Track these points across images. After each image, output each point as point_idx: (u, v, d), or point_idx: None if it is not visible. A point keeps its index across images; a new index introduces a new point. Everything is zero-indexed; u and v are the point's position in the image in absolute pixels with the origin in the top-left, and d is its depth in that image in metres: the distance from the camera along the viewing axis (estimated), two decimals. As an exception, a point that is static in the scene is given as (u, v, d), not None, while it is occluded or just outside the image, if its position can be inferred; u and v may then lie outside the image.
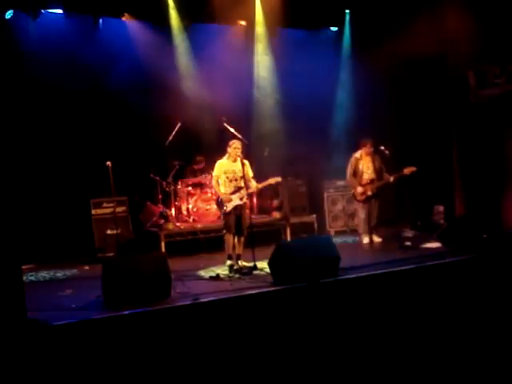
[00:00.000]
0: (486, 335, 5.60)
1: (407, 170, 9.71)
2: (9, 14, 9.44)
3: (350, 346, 5.73)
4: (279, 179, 8.71)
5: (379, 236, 10.21)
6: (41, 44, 9.69)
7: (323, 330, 6.23)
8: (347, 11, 11.97)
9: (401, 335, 5.85)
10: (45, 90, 9.95)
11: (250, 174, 8.53)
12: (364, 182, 10.12)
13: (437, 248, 9.22)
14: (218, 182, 8.53)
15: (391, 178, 9.84)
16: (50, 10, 9.92)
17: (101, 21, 10.40)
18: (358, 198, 10.21)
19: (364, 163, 10.16)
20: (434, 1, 10.30)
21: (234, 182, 8.47)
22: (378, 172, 10.09)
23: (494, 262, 7.99)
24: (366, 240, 10.19)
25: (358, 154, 10.21)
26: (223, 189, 8.46)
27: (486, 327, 5.79)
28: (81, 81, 10.14)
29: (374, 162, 10.12)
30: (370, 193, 10.08)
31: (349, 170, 10.25)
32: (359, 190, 10.14)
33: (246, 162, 8.47)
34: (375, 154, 10.10)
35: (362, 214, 10.24)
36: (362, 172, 10.14)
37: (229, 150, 8.46)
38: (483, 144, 10.59)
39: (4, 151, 5.95)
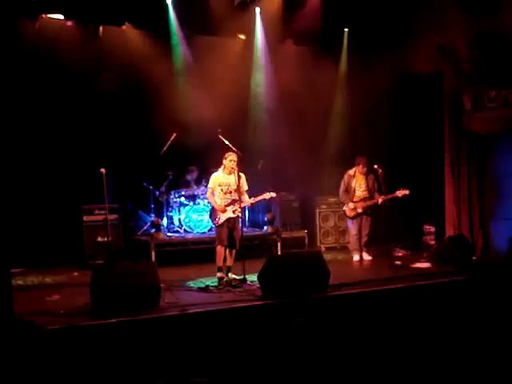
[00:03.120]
0: (474, 356, 5.60)
1: (400, 193, 9.69)
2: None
3: (336, 362, 5.72)
4: (274, 195, 8.69)
5: (370, 254, 10.22)
6: (40, 49, 9.72)
7: (310, 345, 6.22)
8: (346, 29, 12.07)
9: (388, 354, 5.85)
10: (41, 96, 9.95)
11: (245, 187, 8.51)
12: (356, 199, 10.17)
13: (427, 268, 9.25)
14: (212, 193, 8.52)
15: (379, 200, 9.80)
16: (51, 16, 9.94)
17: (101, 28, 10.44)
18: (348, 214, 10.27)
19: (357, 181, 10.20)
20: (431, 22, 10.39)
21: (229, 195, 8.46)
22: (371, 191, 10.13)
23: (483, 283, 8.02)
24: (355, 257, 10.22)
25: (351, 172, 10.27)
26: (218, 201, 8.46)
27: (474, 348, 5.80)
28: (77, 87, 10.17)
29: (367, 180, 10.16)
30: (360, 210, 10.13)
31: (341, 187, 10.30)
32: (350, 206, 10.19)
33: (242, 175, 8.46)
34: (369, 172, 10.14)
35: (352, 231, 10.28)
36: (354, 189, 10.18)
37: (224, 162, 8.46)
38: (474, 166, 10.68)
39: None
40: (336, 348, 5.96)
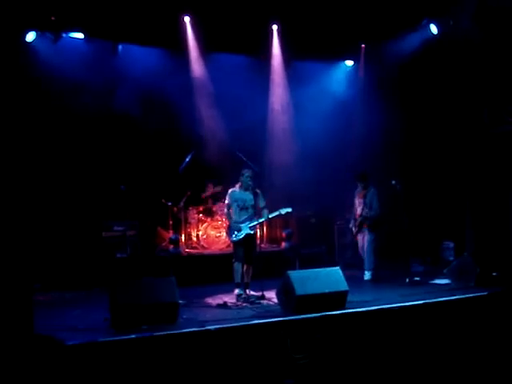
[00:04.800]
0: (494, 372, 5.55)
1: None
2: (31, 37, 9.60)
3: (356, 380, 5.70)
4: (290, 210, 8.71)
5: (372, 273, 9.91)
6: (60, 68, 9.83)
7: (329, 362, 6.19)
8: (363, 45, 12.09)
9: (407, 370, 5.81)
10: (62, 113, 10.07)
11: (262, 203, 8.54)
12: (357, 216, 10.12)
13: (446, 284, 9.17)
14: (229, 210, 8.56)
15: (363, 214, 9.92)
16: (71, 35, 10.07)
17: (120, 46, 10.56)
18: (353, 231, 10.26)
19: (358, 198, 10.15)
20: (448, 37, 10.41)
21: (245, 211, 8.50)
22: (366, 206, 9.95)
23: (504, 300, 7.93)
24: (366, 276, 10.02)
25: (357, 189, 10.21)
26: (234, 217, 8.49)
27: (494, 365, 5.74)
28: (98, 105, 10.26)
29: (365, 196, 10.01)
30: (357, 227, 10.09)
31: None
32: (350, 224, 10.28)
33: (258, 191, 8.50)
34: (371, 188, 10.01)
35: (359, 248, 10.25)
36: (356, 207, 10.16)
37: (241, 178, 8.50)
38: (495, 180, 10.60)
39: (18, 171, 6.03)
40: (355, 364, 5.93)
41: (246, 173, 8.50)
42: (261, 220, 8.62)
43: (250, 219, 8.45)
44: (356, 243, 11.30)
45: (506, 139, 10.27)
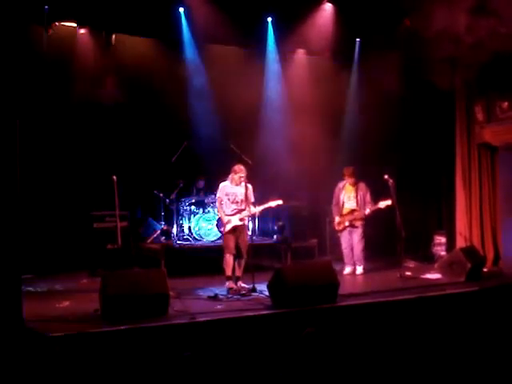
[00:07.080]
0: (483, 368, 5.56)
1: (382, 204, 9.52)
2: None
3: (345, 374, 5.70)
4: (280, 202, 8.73)
5: (364, 268, 9.89)
6: (53, 56, 9.76)
7: (319, 355, 6.19)
8: (357, 39, 12.05)
9: (397, 365, 5.82)
10: (52, 103, 10.00)
11: (252, 199, 8.54)
12: (344, 211, 9.94)
13: (437, 279, 9.20)
14: (220, 203, 8.56)
15: (366, 211, 9.71)
16: (64, 23, 9.99)
17: (113, 36, 10.49)
18: (336, 227, 10.10)
19: (346, 193, 9.96)
20: (443, 33, 10.37)
21: (235, 205, 8.50)
22: (359, 202, 9.84)
23: (494, 295, 7.97)
24: (346, 270, 9.95)
25: (341, 184, 10.05)
26: (225, 210, 8.49)
27: (483, 362, 5.76)
28: (89, 95, 10.20)
29: (357, 191, 9.88)
30: (347, 223, 9.90)
31: (333, 200, 10.14)
32: (336, 219, 10.03)
33: (249, 186, 8.48)
34: (360, 183, 9.91)
35: (342, 244, 10.08)
36: (343, 202, 9.97)
37: (234, 176, 8.46)
38: (485, 176, 10.64)
39: (9, 161, 5.99)
40: (345, 358, 5.93)
41: (240, 172, 8.44)
42: (252, 211, 8.61)
43: (240, 212, 8.45)
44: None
45: (498, 135, 10.30)
